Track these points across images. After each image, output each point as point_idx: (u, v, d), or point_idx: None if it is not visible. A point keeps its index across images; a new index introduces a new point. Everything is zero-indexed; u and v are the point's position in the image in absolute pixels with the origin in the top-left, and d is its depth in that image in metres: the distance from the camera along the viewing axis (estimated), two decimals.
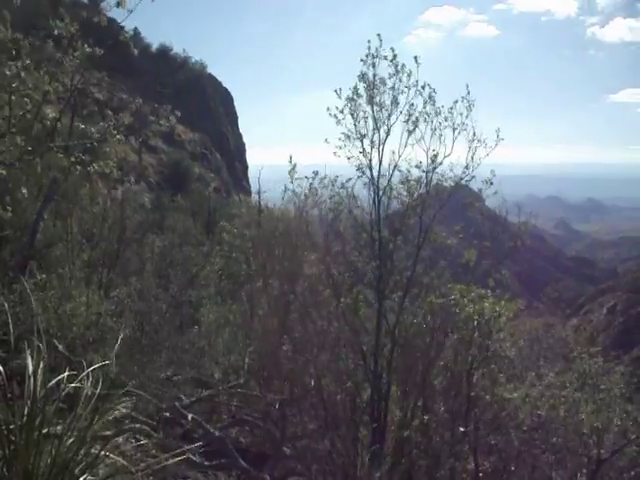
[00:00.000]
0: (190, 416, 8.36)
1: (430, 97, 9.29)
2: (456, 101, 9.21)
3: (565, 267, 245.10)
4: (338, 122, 9.43)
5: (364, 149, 9.50)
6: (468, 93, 9.19)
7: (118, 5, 7.61)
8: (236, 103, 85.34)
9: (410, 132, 9.36)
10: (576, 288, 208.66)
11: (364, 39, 9.29)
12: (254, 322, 11.13)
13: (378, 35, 9.31)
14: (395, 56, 9.22)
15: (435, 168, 9.53)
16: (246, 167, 78.48)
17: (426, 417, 9.28)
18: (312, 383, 9.70)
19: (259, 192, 18.90)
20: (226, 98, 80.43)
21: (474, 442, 9.63)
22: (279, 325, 10.02)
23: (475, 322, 9.19)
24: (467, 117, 9.24)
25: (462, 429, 9.36)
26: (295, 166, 10.12)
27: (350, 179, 9.86)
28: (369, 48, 9.24)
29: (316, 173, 9.90)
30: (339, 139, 9.47)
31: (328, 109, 9.39)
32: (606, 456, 9.81)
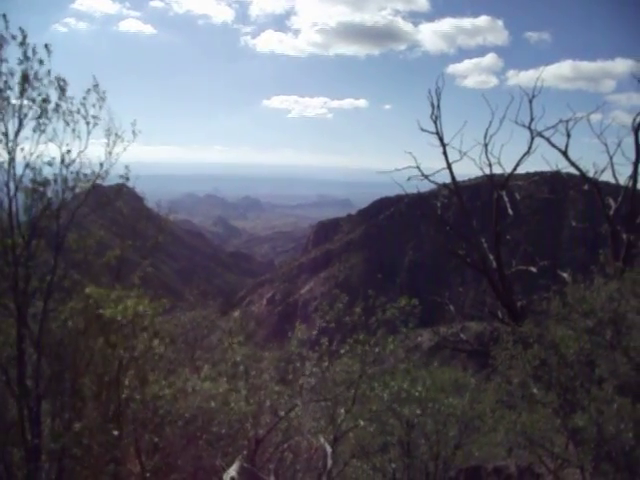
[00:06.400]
0: None
1: (62, 89, 8.70)
2: (88, 90, 8.73)
3: (225, 262, 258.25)
4: None
5: None
6: (97, 85, 8.75)
7: None
8: None
9: (41, 125, 8.67)
10: (237, 282, 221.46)
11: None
12: None
13: (4, 16, 8.35)
14: (25, 38, 8.43)
15: (70, 165, 8.96)
16: None
17: (77, 425, 8.85)
18: None
19: None
20: None
21: (135, 443, 9.48)
22: None
23: (119, 323, 8.96)
24: (101, 109, 8.85)
25: (116, 432, 9.12)
26: None
27: None
28: None
29: None
30: None
31: None
32: (262, 435, 10.41)
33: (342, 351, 11.01)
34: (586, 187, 18.14)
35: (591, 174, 17.69)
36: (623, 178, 17.18)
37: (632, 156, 16.80)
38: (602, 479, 8.75)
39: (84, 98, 8.74)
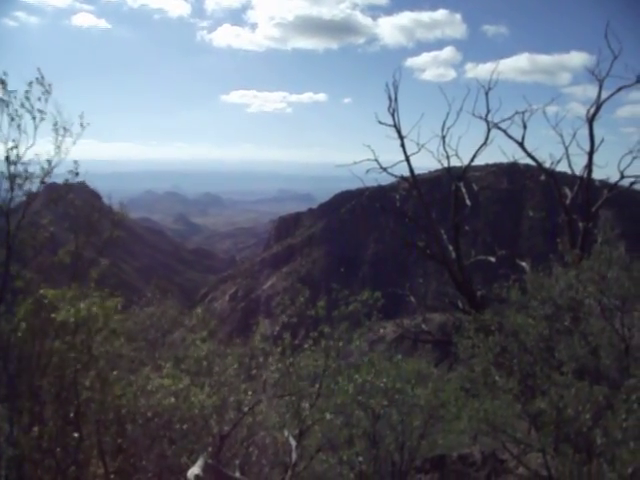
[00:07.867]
0: None
1: (3, 82, 8.45)
2: (31, 82, 8.49)
3: (187, 260, 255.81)
4: None
5: None
6: (42, 77, 8.53)
7: None
8: None
9: None
10: (199, 278, 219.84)
11: None
12: None
13: None
14: None
15: (18, 161, 8.74)
16: None
17: (35, 429, 8.67)
18: None
19: None
20: None
21: (98, 445, 9.31)
22: None
23: (74, 324, 8.78)
24: (47, 102, 8.60)
25: (76, 435, 8.96)
26: None
27: None
28: None
29: None
30: None
31: None
32: (227, 431, 10.33)
33: (306, 345, 10.99)
34: (543, 177, 18.46)
35: (548, 165, 18.03)
36: (578, 168, 17.58)
37: (587, 147, 17.18)
38: (562, 460, 8.91)
39: (27, 91, 8.49)
